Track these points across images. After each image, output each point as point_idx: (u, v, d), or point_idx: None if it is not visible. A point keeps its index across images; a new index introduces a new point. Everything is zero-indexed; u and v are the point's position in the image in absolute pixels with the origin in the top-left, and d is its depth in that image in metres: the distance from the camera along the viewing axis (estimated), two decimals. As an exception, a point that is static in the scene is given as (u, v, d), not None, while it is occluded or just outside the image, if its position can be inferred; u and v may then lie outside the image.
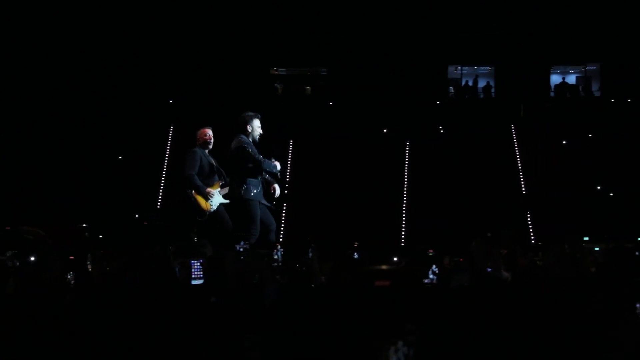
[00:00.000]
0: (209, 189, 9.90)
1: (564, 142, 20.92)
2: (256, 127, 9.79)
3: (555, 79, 23.74)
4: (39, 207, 17.68)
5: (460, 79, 24.14)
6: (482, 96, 23.54)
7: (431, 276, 4.86)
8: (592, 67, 23.83)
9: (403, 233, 19.45)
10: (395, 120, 21.57)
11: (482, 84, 23.78)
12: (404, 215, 19.87)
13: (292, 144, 21.34)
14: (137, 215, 17.87)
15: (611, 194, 19.35)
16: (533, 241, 17.67)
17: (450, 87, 23.93)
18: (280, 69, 24.10)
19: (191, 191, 9.84)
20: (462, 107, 22.75)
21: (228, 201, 9.95)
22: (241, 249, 8.08)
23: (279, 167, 9.78)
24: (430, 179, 20.26)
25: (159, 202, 20.29)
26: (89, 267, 6.85)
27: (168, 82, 21.96)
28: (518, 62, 22.81)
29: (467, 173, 20.19)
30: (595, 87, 23.58)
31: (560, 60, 23.61)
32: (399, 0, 22.31)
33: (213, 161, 10.28)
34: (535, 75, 22.97)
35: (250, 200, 9.39)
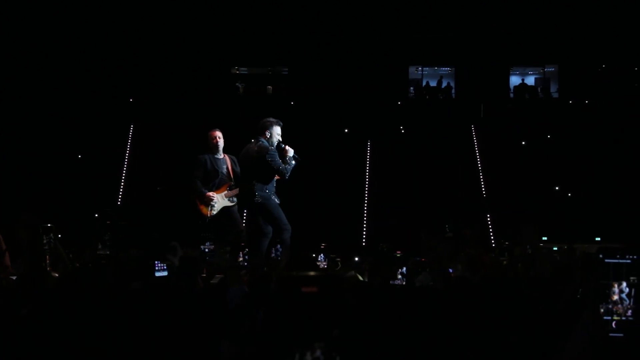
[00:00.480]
0: (210, 194, 10.01)
1: (523, 143, 21.14)
2: (275, 133, 9.72)
3: (515, 80, 23.97)
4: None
5: (421, 80, 24.26)
6: (442, 97, 23.68)
7: (400, 277, 4.90)
8: (550, 69, 24.09)
9: (364, 233, 19.50)
10: (356, 120, 21.62)
11: (442, 84, 23.93)
12: (365, 215, 19.92)
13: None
14: (96, 215, 17.70)
15: (569, 195, 19.60)
16: (493, 242, 17.82)
17: (411, 88, 24.05)
18: (242, 69, 24.02)
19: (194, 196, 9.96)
20: (422, 107, 22.86)
21: (234, 203, 10.00)
22: (206, 250, 8.04)
23: (292, 159, 9.73)
24: (392, 179, 20.34)
25: (119, 201, 20.11)
26: (48, 268, 6.75)
27: (129, 81, 21.78)
28: (478, 63, 23.01)
29: (427, 173, 20.31)
30: (553, 88, 23.85)
31: (519, 62, 23.86)
32: (361, 0, 22.36)
33: (220, 164, 10.25)
34: (495, 77, 23.20)
35: (266, 201, 9.33)
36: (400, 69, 23.56)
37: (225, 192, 10.06)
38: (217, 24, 22.35)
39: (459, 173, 20.25)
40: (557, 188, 19.81)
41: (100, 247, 10.04)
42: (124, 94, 21.74)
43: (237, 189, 10.02)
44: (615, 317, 2.76)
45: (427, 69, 24.25)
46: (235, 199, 10.14)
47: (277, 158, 9.44)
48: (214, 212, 10.01)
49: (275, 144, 9.62)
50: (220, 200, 10.00)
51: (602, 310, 2.79)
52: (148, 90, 21.80)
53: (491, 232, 18.82)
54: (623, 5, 21.68)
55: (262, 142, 9.50)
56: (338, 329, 2.63)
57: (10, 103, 20.37)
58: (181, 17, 22.17)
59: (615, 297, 2.76)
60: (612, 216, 17.88)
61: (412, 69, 24.14)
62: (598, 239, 16.25)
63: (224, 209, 10.11)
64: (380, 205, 19.93)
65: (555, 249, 10.88)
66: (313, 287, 2.66)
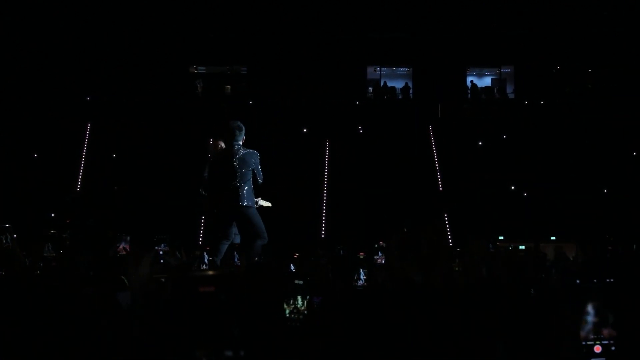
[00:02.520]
0: None
1: (480, 142, 21.35)
2: (244, 136, 9.68)
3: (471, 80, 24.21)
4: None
5: (379, 80, 24.39)
6: (400, 97, 23.83)
7: (362, 278, 4.89)
8: (506, 70, 24.39)
9: (323, 232, 19.56)
10: (315, 120, 21.66)
11: (400, 84, 24.08)
12: (323, 215, 19.96)
13: (211, 142, 21.21)
14: (52, 215, 17.55)
15: (525, 194, 19.84)
16: (450, 243, 17.97)
17: (369, 88, 24.16)
18: (200, 67, 23.96)
19: (202, 192, 9.72)
20: (381, 107, 22.97)
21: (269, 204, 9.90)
22: (161, 252, 7.93)
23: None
24: (350, 178, 20.39)
25: (73, 200, 19.91)
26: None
27: (85, 79, 21.59)
28: (435, 63, 23.21)
29: (386, 172, 20.39)
30: (509, 89, 24.13)
31: (476, 63, 24.10)
32: (320, 0, 22.43)
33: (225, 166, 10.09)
34: (452, 77, 23.42)
35: (254, 205, 9.24)
36: (358, 69, 23.67)
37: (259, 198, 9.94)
38: (176, 22, 22.28)
39: (416, 173, 20.39)
40: (512, 187, 20.05)
41: (49, 248, 9.88)
42: (81, 93, 21.52)
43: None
44: (597, 342, 2.81)
45: (385, 69, 24.40)
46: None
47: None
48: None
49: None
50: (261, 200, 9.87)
51: (582, 334, 2.84)
52: (105, 88, 21.62)
53: (448, 231, 18.99)
54: (578, 7, 22.03)
55: (242, 147, 9.41)
56: (237, 328, 2.69)
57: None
58: (140, 15, 22.03)
59: (591, 321, 2.81)
60: (567, 215, 18.13)
61: (370, 69, 24.27)
62: (553, 238, 16.50)
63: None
64: (338, 204, 19.97)
65: (521, 247, 11.03)
66: (211, 287, 2.70)
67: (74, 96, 21.30)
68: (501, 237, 16.72)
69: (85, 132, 21.07)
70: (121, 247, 7.07)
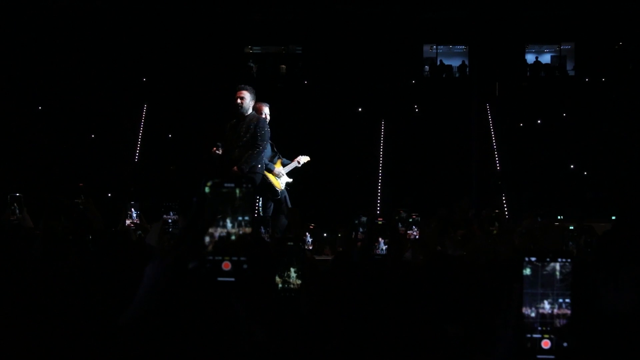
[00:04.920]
0: (278, 168, 9.69)
1: (539, 121, 20.96)
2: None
3: (530, 58, 23.77)
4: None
5: (436, 58, 24.11)
6: (457, 75, 23.54)
7: (383, 247, 4.68)
8: (566, 47, 23.88)
9: (378, 213, 19.41)
10: (370, 100, 21.48)
11: (457, 63, 23.77)
12: (379, 195, 19.82)
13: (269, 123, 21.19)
14: (109, 195, 17.71)
15: (585, 173, 19.43)
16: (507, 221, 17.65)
17: (426, 67, 23.90)
18: (255, 48, 23.95)
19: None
20: (437, 86, 22.72)
21: (291, 180, 9.81)
22: (170, 220, 7.50)
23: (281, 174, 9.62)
24: (405, 159, 20.22)
25: (133, 181, 20.09)
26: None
27: (142, 61, 21.73)
28: (493, 41, 22.81)
29: (442, 152, 20.17)
30: (569, 66, 23.63)
31: (535, 40, 23.64)
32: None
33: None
34: (511, 55, 22.99)
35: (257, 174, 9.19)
36: (414, 48, 23.41)
37: (281, 167, 9.84)
38: (231, 3, 22.24)
39: (473, 152, 20.12)
40: (572, 166, 19.64)
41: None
42: (138, 74, 21.68)
43: (290, 164, 9.85)
44: (545, 336, 2.32)
45: (441, 47, 24.11)
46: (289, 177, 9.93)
47: (268, 134, 9.32)
48: (283, 187, 9.67)
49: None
50: (284, 175, 9.77)
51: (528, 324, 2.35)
52: (161, 70, 21.74)
53: (506, 211, 18.69)
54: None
55: (258, 116, 9.36)
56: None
57: (28, 86, 20.38)
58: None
59: (546, 310, 2.33)
60: (628, 195, 17.70)
61: (426, 48, 24.00)
62: (614, 217, 16.10)
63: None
64: (393, 185, 19.82)
65: (571, 228, 10.66)
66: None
67: (131, 78, 21.47)
68: (560, 217, 16.37)
69: (142, 112, 21.23)
70: (132, 220, 6.91)
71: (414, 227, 7.62)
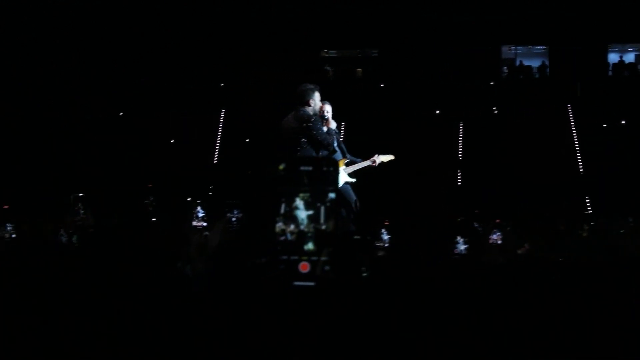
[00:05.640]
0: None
1: (623, 122, 20.40)
2: (317, 100, 9.45)
3: (613, 57, 23.19)
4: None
5: (515, 59, 23.72)
6: (537, 76, 23.11)
7: (461, 246, 4.40)
8: (651, 45, 23.27)
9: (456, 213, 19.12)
10: (447, 102, 21.22)
11: (536, 63, 23.34)
12: (456, 197, 19.56)
13: (344, 126, 21.13)
14: (189, 199, 17.84)
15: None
16: (592, 223, 17.20)
17: (504, 67, 23.54)
18: (331, 51, 23.91)
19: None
20: (516, 87, 22.33)
21: (354, 180, 9.65)
22: (233, 219, 7.27)
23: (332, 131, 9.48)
24: (485, 162, 19.92)
25: (210, 187, 20.23)
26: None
27: (219, 66, 21.91)
28: (574, 40, 22.30)
29: (522, 155, 19.81)
30: (655, 65, 23.02)
31: (617, 38, 23.04)
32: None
33: (335, 138, 9.83)
34: (592, 54, 22.43)
35: None
36: (492, 49, 23.05)
37: (343, 166, 9.67)
38: (306, 7, 22.26)
39: (554, 154, 19.71)
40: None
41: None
42: (215, 80, 21.87)
43: (355, 164, 9.72)
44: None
45: (520, 48, 23.71)
46: (352, 177, 9.78)
47: (322, 127, 9.15)
48: (339, 185, 9.56)
49: (317, 112, 9.30)
50: (341, 173, 9.56)
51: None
52: (238, 75, 21.89)
53: (590, 212, 18.24)
54: None
55: (305, 111, 9.19)
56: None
57: (108, 89, 20.74)
58: (271, 0, 22.18)
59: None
60: None
61: (504, 49, 23.61)
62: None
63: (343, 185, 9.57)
64: (473, 187, 19.54)
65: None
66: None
67: (208, 83, 21.67)
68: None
69: (219, 118, 21.41)
70: (196, 219, 6.85)
71: (494, 230, 7.41)
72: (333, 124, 9.58)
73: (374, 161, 9.81)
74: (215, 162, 20.78)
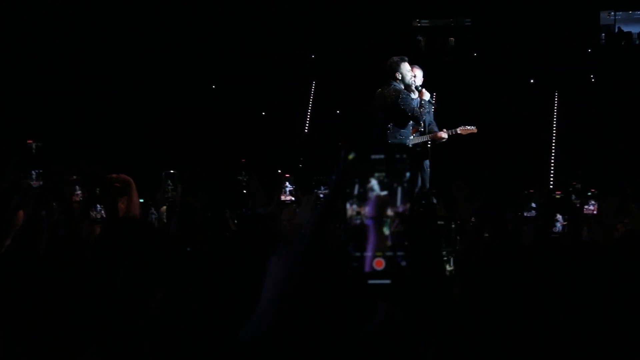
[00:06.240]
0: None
1: None
2: (406, 71, 9.37)
3: None
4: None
5: (614, 25, 22.97)
6: (637, 42, 22.35)
7: (559, 225, 4.13)
8: None
9: (551, 185, 18.75)
10: (543, 70, 20.72)
11: (637, 29, 22.56)
12: (552, 169, 19.17)
13: (436, 96, 20.88)
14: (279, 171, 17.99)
15: None
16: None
17: (603, 34, 22.83)
18: (423, 21, 23.64)
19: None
20: (615, 54, 21.64)
21: (419, 149, 9.54)
22: (321, 195, 6.88)
23: (427, 103, 9.35)
24: (581, 131, 19.43)
25: (300, 160, 20.36)
26: None
27: (309, 37, 21.91)
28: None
29: (620, 125, 19.24)
30: None
31: None
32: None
33: (429, 108, 9.67)
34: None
35: None
36: (590, 15, 22.37)
37: (413, 135, 9.54)
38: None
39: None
40: None
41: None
42: (306, 51, 21.89)
43: (429, 135, 9.57)
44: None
45: (620, 13, 22.93)
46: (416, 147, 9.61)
47: (411, 101, 9.05)
48: None
49: (410, 84, 9.19)
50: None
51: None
52: (329, 46, 21.85)
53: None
54: None
55: (395, 85, 9.13)
56: None
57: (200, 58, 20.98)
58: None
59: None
60: None
61: (603, 14, 22.89)
62: None
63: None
64: (568, 159, 19.11)
65: None
66: None
67: (299, 54, 21.70)
68: None
69: (311, 89, 21.46)
70: (286, 195, 6.76)
71: (591, 201, 7.17)
72: (427, 95, 9.48)
73: (441, 136, 9.59)
74: (306, 133, 20.88)
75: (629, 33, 22.61)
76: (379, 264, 1.76)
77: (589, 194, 7.21)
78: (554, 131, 19.88)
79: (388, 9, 22.33)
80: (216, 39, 21.50)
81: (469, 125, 9.72)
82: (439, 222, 2.54)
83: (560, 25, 21.43)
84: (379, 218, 1.74)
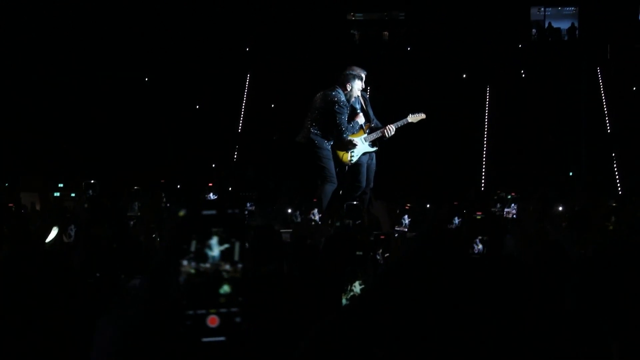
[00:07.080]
0: (350, 138, 9.28)
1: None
2: (356, 88, 9.33)
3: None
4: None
5: (544, 21, 23.34)
6: (566, 38, 22.74)
7: (479, 246, 3.97)
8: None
9: (483, 180, 19.03)
10: (475, 65, 20.96)
11: (565, 25, 22.95)
12: (484, 161, 19.44)
13: (369, 90, 20.96)
14: (213, 165, 17.90)
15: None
16: (620, 191, 17.01)
17: (533, 30, 23.18)
18: (357, 15, 23.68)
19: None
20: (545, 49, 22.01)
21: (375, 149, 9.45)
22: (246, 212, 7.24)
23: (361, 145, 9.34)
24: (512, 125, 19.73)
25: (235, 154, 20.26)
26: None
27: (243, 30, 21.77)
28: (605, 1, 21.86)
29: (550, 118, 19.59)
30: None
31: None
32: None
33: (360, 103, 9.54)
34: (623, 15, 21.97)
35: (318, 150, 9.09)
36: (521, 11, 22.69)
37: (364, 135, 9.44)
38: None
39: (583, 118, 19.46)
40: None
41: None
42: (240, 44, 21.75)
43: (377, 132, 9.47)
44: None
45: (549, 9, 23.30)
46: (373, 145, 9.53)
47: (344, 118, 9.09)
48: (354, 160, 9.30)
49: (352, 100, 9.23)
50: (360, 145, 9.35)
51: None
52: (264, 39, 21.75)
53: (617, 179, 18.02)
54: None
55: (339, 92, 9.16)
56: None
57: (132, 54, 20.63)
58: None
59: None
60: None
61: (534, 10, 23.23)
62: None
63: (361, 159, 9.39)
64: (499, 152, 19.39)
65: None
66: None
67: (233, 47, 21.54)
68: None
69: (245, 82, 21.35)
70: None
71: (512, 205, 7.27)
72: (361, 119, 9.45)
73: (387, 132, 9.52)
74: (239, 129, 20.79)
75: (558, 29, 23.02)
76: (213, 321, 1.72)
77: (509, 197, 7.35)
78: (486, 127, 20.16)
79: (323, 2, 22.33)
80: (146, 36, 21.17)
81: (416, 113, 9.60)
82: (357, 253, 2.49)
83: (492, 21, 21.67)
84: (215, 274, 1.70)
